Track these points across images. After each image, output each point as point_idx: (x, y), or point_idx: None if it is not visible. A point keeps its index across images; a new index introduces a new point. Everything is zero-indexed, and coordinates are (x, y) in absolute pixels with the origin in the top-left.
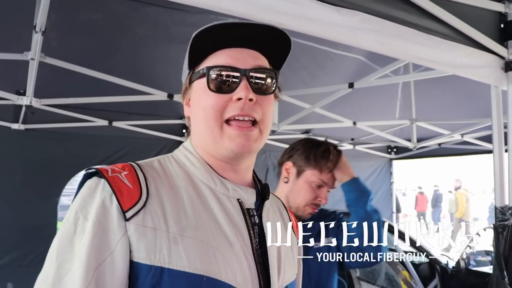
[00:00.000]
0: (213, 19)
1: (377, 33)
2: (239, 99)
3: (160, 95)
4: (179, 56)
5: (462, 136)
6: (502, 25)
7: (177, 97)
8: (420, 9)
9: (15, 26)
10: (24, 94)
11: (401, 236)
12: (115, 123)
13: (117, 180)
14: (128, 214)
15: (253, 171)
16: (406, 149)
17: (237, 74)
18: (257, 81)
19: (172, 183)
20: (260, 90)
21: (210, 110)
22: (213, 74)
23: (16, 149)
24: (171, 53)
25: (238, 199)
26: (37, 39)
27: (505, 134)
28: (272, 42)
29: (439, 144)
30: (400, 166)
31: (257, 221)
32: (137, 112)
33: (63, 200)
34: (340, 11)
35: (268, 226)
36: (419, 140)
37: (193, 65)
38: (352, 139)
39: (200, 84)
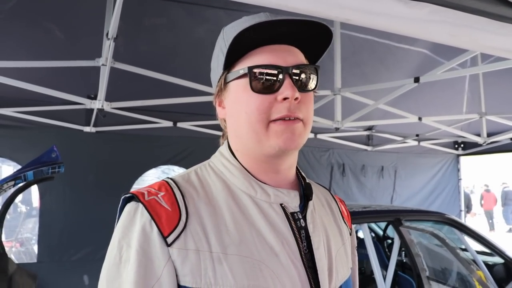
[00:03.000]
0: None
1: (447, 24)
2: (285, 98)
3: None
4: None
5: None
6: None
7: None
8: None
9: (85, 34)
10: (94, 98)
11: (472, 235)
12: (179, 124)
13: (154, 204)
14: (170, 239)
15: (297, 168)
16: (475, 145)
17: (280, 73)
18: (299, 78)
19: (211, 197)
20: (303, 87)
21: (254, 113)
22: (255, 74)
23: (88, 150)
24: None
25: (281, 204)
26: (108, 45)
27: None
28: (312, 37)
29: (511, 139)
30: (468, 163)
31: (303, 224)
32: (200, 112)
33: None
34: (408, 3)
35: (311, 229)
36: (489, 135)
37: (227, 65)
38: (417, 135)
39: (239, 85)
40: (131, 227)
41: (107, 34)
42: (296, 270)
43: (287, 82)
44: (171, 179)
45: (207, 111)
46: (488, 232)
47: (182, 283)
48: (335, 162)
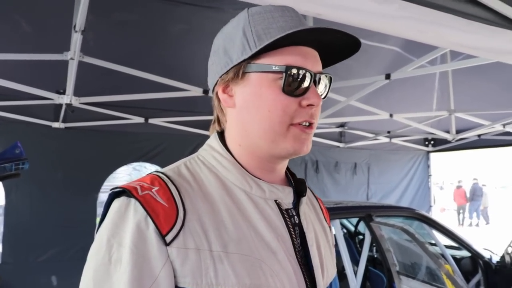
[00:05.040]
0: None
1: (416, 20)
2: (310, 105)
3: (195, 91)
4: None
5: (504, 127)
6: None
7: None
8: None
9: (53, 27)
10: (63, 93)
11: (441, 229)
12: (151, 120)
13: (149, 199)
14: (168, 238)
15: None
16: (444, 141)
17: (310, 78)
18: (322, 86)
19: (206, 193)
20: (321, 95)
21: (279, 113)
22: (292, 75)
23: (56, 147)
24: (205, 50)
25: (275, 200)
26: (76, 38)
27: None
28: (337, 48)
29: (479, 136)
30: (438, 159)
31: (297, 221)
32: (173, 109)
33: (102, 196)
34: None
35: (305, 226)
36: (458, 132)
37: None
38: (389, 132)
39: (265, 80)
40: (123, 224)
41: (74, 27)
42: (292, 268)
43: (314, 89)
44: (161, 172)
45: (179, 107)
46: (457, 226)
47: (180, 285)
48: (309, 159)
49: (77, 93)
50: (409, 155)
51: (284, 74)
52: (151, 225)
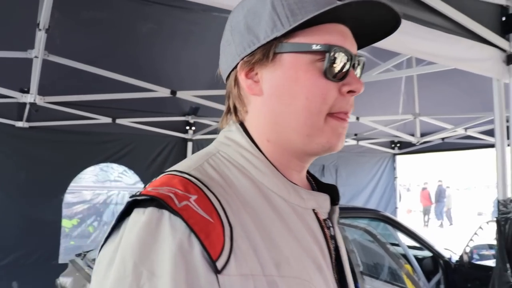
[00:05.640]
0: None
1: None
2: (351, 92)
3: (163, 92)
4: (181, 53)
5: (465, 131)
6: (503, 18)
7: (180, 94)
8: (421, 3)
9: (18, 24)
10: (28, 92)
11: (404, 231)
12: (118, 121)
13: (192, 212)
14: (220, 263)
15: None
16: (410, 144)
17: (350, 61)
18: (358, 71)
19: (244, 201)
20: None
21: (318, 102)
22: (335, 56)
23: (20, 146)
24: (174, 50)
25: (313, 210)
26: (40, 37)
27: (508, 128)
28: (370, 28)
29: (443, 139)
30: (404, 162)
31: (333, 233)
32: (141, 109)
33: (68, 197)
34: None
35: (338, 238)
36: (422, 135)
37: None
38: (356, 135)
39: (302, 62)
40: (156, 245)
41: (38, 25)
42: (333, 286)
43: (353, 73)
44: (186, 173)
45: (148, 107)
46: (422, 227)
47: None
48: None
49: (43, 92)
50: (376, 157)
51: (327, 54)
52: (197, 248)
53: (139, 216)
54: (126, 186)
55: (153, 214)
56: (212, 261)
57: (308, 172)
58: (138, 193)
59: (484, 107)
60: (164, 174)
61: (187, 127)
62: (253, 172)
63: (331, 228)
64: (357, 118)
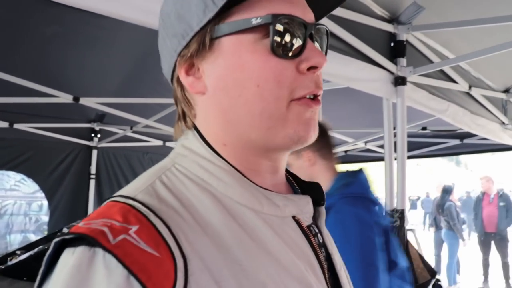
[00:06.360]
0: (124, 22)
1: None
2: (312, 68)
3: (65, 98)
4: (87, 59)
5: (365, 144)
6: (392, 44)
7: (83, 100)
8: None
9: None
10: None
11: None
12: (16, 125)
13: (129, 248)
14: None
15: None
16: None
17: (304, 31)
18: (321, 41)
19: (203, 223)
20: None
21: (273, 86)
22: (281, 28)
23: None
24: (78, 55)
25: (293, 217)
26: None
27: (395, 143)
28: None
29: (346, 152)
30: None
31: (321, 240)
32: (42, 114)
33: None
34: None
35: (328, 245)
36: None
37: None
38: None
39: (244, 43)
40: (90, 279)
41: None
42: None
43: (311, 44)
44: (131, 198)
45: (49, 113)
46: None
47: None
48: None
49: None
50: None
51: (270, 27)
52: None
53: (68, 257)
54: (24, 195)
55: (84, 254)
56: None
57: (287, 170)
58: (64, 232)
59: (381, 123)
60: (106, 201)
61: (92, 134)
62: (215, 185)
63: (318, 235)
64: None
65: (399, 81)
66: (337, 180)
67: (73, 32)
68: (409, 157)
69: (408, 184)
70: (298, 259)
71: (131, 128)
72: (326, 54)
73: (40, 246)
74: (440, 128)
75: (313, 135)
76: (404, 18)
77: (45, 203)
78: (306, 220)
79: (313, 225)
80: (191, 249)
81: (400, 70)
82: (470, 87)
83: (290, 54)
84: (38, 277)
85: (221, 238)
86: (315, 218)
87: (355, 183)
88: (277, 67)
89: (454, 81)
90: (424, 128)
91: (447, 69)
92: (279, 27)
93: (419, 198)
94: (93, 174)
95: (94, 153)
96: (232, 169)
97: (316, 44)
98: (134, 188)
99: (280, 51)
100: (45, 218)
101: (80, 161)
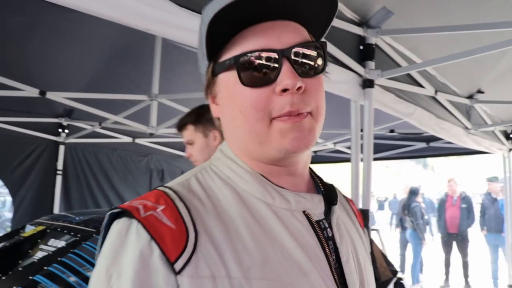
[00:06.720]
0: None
1: None
2: (285, 90)
3: (30, 92)
4: (55, 51)
5: (334, 145)
6: (361, 47)
7: (50, 95)
8: None
9: None
10: None
11: None
12: None
13: (153, 221)
14: (178, 266)
15: (309, 168)
16: None
17: (276, 58)
18: (302, 61)
19: (221, 209)
20: (307, 72)
21: (250, 111)
22: (244, 65)
23: None
24: (47, 48)
25: (304, 212)
26: None
27: (362, 145)
28: (308, 6)
29: (315, 152)
30: None
31: (330, 234)
32: (6, 108)
33: None
34: None
35: (337, 239)
36: None
37: (213, 53)
38: None
39: (230, 78)
40: (123, 250)
41: None
42: None
43: (286, 68)
44: (168, 188)
45: (15, 107)
46: None
47: None
48: (154, 167)
49: None
50: None
51: (235, 66)
52: (156, 251)
53: (114, 226)
54: None
55: (124, 223)
56: (170, 263)
57: (314, 173)
58: (115, 207)
59: (350, 125)
60: (153, 189)
61: (60, 130)
62: (237, 181)
63: (328, 229)
64: None
65: (367, 83)
66: None
67: (41, 24)
68: (377, 159)
69: (377, 186)
70: (301, 247)
71: (100, 124)
72: (323, 64)
73: (1, 244)
74: (408, 131)
75: (302, 145)
76: (373, 22)
77: (9, 199)
78: (317, 216)
79: (324, 221)
80: (203, 227)
81: (368, 73)
82: (436, 92)
83: (262, 82)
84: (100, 240)
85: (233, 222)
86: (329, 215)
87: None
88: (251, 95)
89: (421, 86)
90: (392, 131)
91: (414, 73)
92: (242, 65)
93: (386, 199)
94: (59, 170)
95: (61, 148)
96: (252, 170)
97: (294, 66)
98: (175, 182)
99: (250, 82)
100: (9, 215)
101: (47, 157)
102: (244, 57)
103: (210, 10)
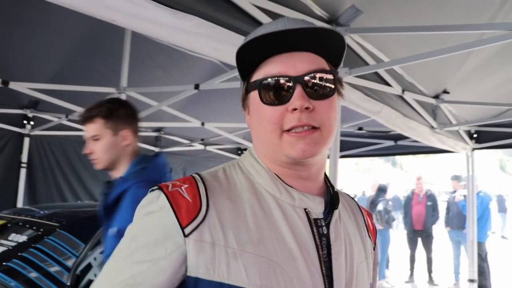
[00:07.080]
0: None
1: (211, 38)
2: (295, 109)
3: None
4: (19, 40)
5: None
6: None
7: (13, 85)
8: (256, 20)
9: None
10: None
11: None
12: None
13: (176, 194)
14: (187, 230)
15: (325, 175)
16: None
17: (290, 83)
18: (314, 86)
19: (235, 195)
20: (318, 95)
21: (266, 124)
22: (263, 87)
23: None
24: (10, 36)
25: (305, 209)
26: None
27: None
28: (324, 42)
29: None
30: None
31: (325, 232)
32: None
33: None
34: (176, 14)
35: (332, 238)
36: None
37: (246, 75)
38: (202, 140)
39: (256, 96)
40: (150, 205)
41: None
42: (312, 278)
43: (298, 91)
44: (198, 174)
45: None
46: None
47: (194, 274)
48: None
49: None
50: (223, 162)
51: (257, 88)
52: (172, 217)
53: (148, 194)
54: None
55: (156, 193)
56: (181, 227)
57: (329, 181)
58: (155, 186)
59: None
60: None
61: (25, 121)
62: (255, 175)
63: (324, 227)
64: (202, 124)
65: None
66: (134, 165)
67: (4, 12)
68: (346, 156)
69: (346, 183)
70: (295, 237)
71: (67, 117)
72: (333, 89)
73: None
74: (376, 129)
75: (307, 154)
76: (342, 20)
77: None
78: (317, 215)
79: (322, 220)
80: (215, 205)
81: None
82: (403, 91)
83: (277, 102)
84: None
85: (241, 204)
86: (328, 217)
87: (150, 168)
88: (268, 111)
89: (388, 84)
90: (360, 128)
91: (382, 72)
92: (262, 87)
93: (355, 196)
94: (24, 163)
95: (26, 141)
96: (267, 168)
97: (306, 90)
98: (207, 171)
99: (268, 102)
100: None
101: (10, 149)
102: (264, 81)
103: (243, 42)
